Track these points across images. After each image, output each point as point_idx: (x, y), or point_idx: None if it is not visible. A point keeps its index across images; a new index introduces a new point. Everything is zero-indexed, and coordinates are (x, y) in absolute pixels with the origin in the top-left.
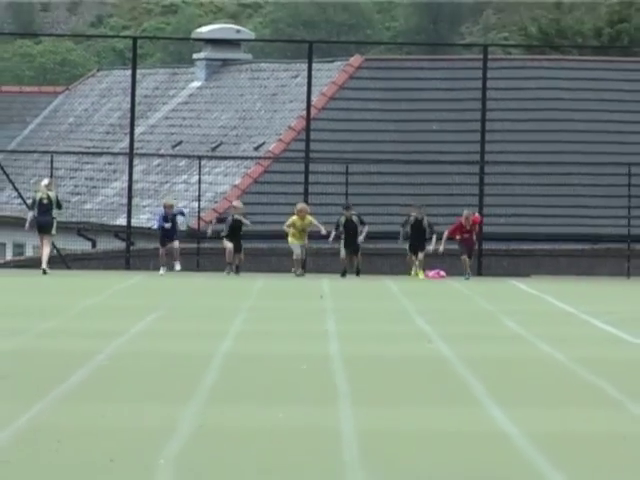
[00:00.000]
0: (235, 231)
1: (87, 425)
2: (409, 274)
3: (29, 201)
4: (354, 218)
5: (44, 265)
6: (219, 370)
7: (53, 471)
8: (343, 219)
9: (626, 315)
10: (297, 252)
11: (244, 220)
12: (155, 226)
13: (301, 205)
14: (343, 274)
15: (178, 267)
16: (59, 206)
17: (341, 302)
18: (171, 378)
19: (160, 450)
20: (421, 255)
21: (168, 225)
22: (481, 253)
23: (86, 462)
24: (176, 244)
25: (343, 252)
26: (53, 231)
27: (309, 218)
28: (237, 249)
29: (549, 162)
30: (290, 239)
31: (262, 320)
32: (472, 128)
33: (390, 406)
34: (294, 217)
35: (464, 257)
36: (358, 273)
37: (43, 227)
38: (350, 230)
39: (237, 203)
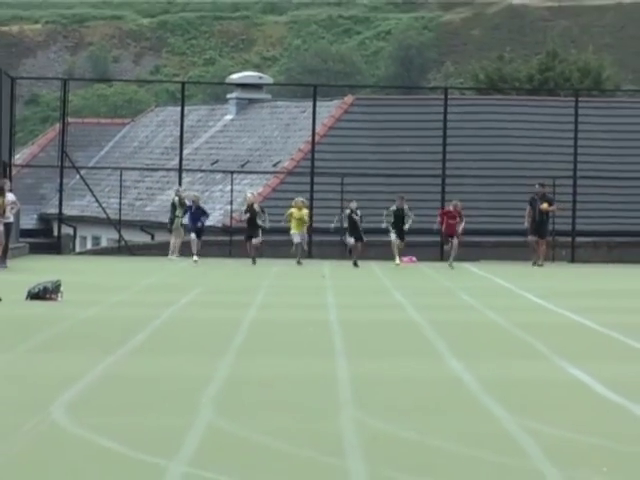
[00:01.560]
0: (251, 219)
1: (147, 373)
2: (394, 260)
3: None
4: (358, 211)
5: (174, 254)
6: (246, 331)
7: (122, 407)
8: (348, 211)
9: (550, 290)
10: (296, 240)
11: (259, 212)
12: (185, 220)
13: (297, 199)
14: (355, 264)
15: (189, 259)
16: (182, 205)
17: (338, 281)
18: (210, 337)
19: (202, 391)
20: (401, 244)
21: (200, 221)
22: (443, 243)
23: (146, 401)
24: (199, 244)
25: (351, 240)
26: (173, 226)
27: (305, 210)
28: (254, 235)
29: (494, 175)
30: (291, 230)
31: (278, 294)
32: (436, 150)
33: (375, 358)
34: (293, 209)
35: (447, 246)
36: (356, 263)
37: (170, 224)
38: (353, 221)
39: (250, 194)
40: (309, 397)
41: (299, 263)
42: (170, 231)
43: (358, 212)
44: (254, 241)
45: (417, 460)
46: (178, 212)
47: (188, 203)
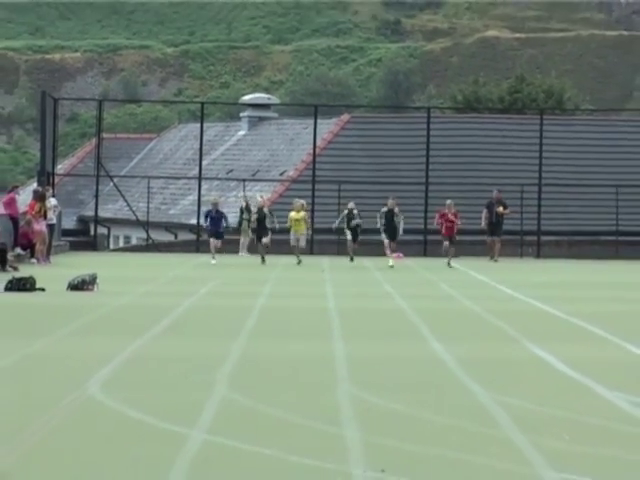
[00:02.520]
0: (260, 220)
1: (171, 353)
2: (384, 255)
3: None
4: (354, 212)
5: (244, 252)
6: (256, 317)
7: (149, 383)
8: (346, 211)
9: (520, 282)
10: (293, 241)
11: (268, 215)
12: (203, 222)
13: (296, 202)
14: (351, 259)
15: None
16: (248, 210)
17: (335, 274)
18: (225, 322)
19: (218, 369)
20: (393, 244)
21: (214, 214)
22: (426, 242)
23: (169, 377)
24: (219, 243)
25: (349, 236)
26: (242, 227)
27: (302, 213)
28: (263, 235)
29: (470, 182)
30: (291, 231)
31: (284, 285)
32: (420, 161)
33: (368, 340)
34: (292, 212)
35: (446, 244)
36: (352, 259)
37: (239, 226)
38: (350, 221)
39: (260, 197)
40: (311, 374)
41: (299, 264)
42: (239, 232)
43: (355, 212)
44: (264, 240)
45: (404, 429)
46: (245, 216)
47: (208, 208)
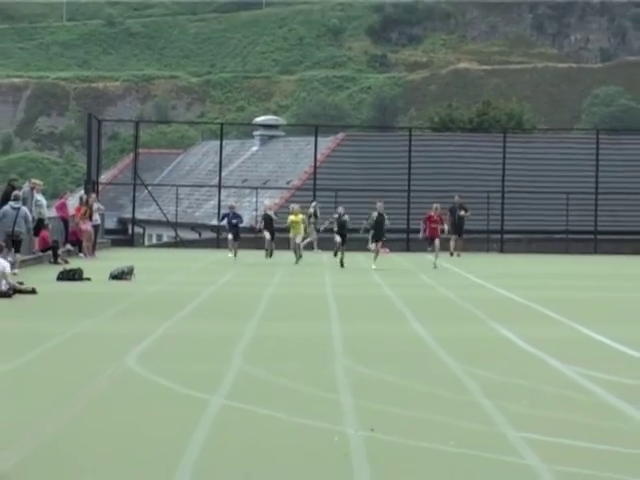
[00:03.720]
0: (267, 222)
1: (195, 332)
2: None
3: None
4: (344, 217)
5: (317, 250)
6: (266, 303)
7: (177, 357)
8: (336, 215)
9: (487, 273)
10: (293, 241)
11: (273, 215)
12: (223, 222)
13: (293, 206)
14: (335, 254)
15: (231, 255)
16: (316, 216)
17: (332, 267)
18: (240, 307)
19: (234, 346)
20: (379, 245)
21: (234, 221)
22: (409, 239)
23: (194, 353)
24: (237, 244)
25: (338, 239)
26: (308, 229)
27: (300, 216)
28: (271, 237)
29: (445, 190)
30: (290, 233)
31: (289, 276)
32: (403, 172)
33: (360, 321)
34: (291, 216)
35: (430, 248)
36: (342, 264)
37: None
38: (341, 225)
39: (267, 202)
40: (312, 349)
41: (297, 263)
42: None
43: (345, 217)
44: (268, 237)
45: (390, 395)
46: (312, 220)
47: (227, 210)
